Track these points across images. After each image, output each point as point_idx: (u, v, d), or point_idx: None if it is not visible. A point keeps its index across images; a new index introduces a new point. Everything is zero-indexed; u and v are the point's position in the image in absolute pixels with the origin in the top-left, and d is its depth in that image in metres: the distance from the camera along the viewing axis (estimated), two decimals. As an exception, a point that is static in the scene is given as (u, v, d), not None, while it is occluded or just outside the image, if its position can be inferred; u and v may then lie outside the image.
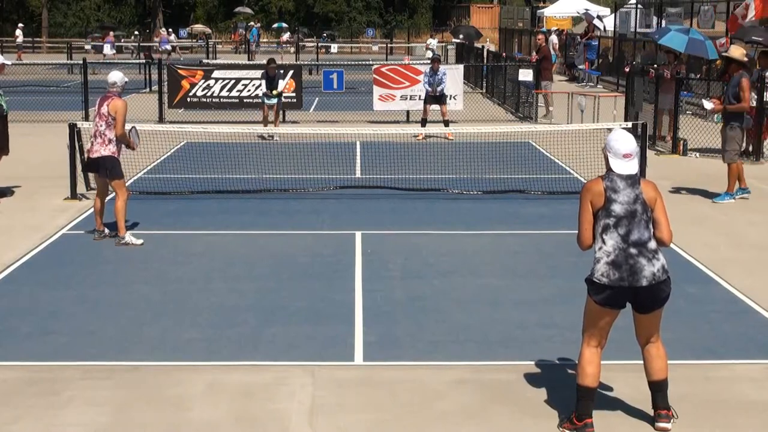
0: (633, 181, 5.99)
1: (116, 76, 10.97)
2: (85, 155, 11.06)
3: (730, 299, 9.02)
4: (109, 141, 10.79)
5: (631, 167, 6.01)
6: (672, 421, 6.16)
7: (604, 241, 5.97)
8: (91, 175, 12.39)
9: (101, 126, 10.80)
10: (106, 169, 10.87)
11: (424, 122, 19.75)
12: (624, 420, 6.34)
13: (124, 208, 10.87)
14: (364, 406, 6.53)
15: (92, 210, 12.76)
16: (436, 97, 19.70)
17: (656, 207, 6.04)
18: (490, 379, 6.97)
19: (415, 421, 6.32)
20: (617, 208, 5.95)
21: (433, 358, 7.38)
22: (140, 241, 10.87)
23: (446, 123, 19.43)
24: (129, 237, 10.84)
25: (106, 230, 11.14)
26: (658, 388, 6.22)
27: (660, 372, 6.23)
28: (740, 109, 13.49)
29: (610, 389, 6.81)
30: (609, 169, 6.01)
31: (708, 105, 14.18)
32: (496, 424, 6.27)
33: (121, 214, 10.85)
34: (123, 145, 11.01)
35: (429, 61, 21.63)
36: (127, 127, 11.03)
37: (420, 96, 21.02)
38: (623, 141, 6.02)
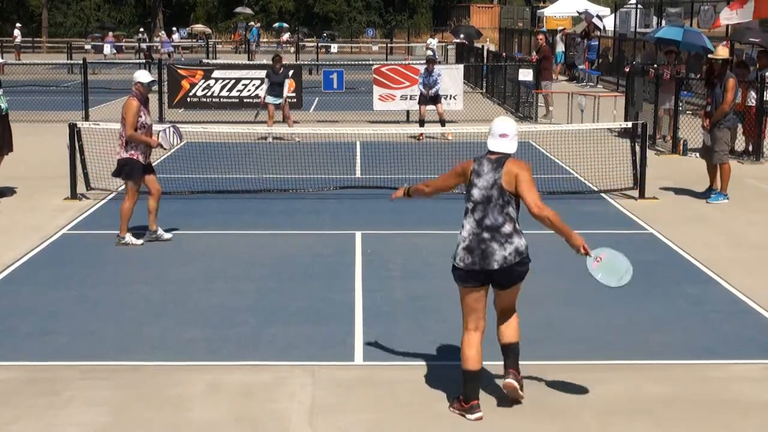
0: (498, 164, 6.28)
1: (135, 75, 10.79)
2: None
3: (729, 299, 9.02)
4: (126, 143, 10.69)
5: (504, 146, 6.38)
6: (519, 384, 6.36)
7: (463, 226, 6.29)
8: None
9: (119, 128, 10.74)
10: (118, 171, 10.80)
11: (422, 122, 19.75)
12: (624, 420, 6.34)
13: (129, 211, 10.81)
14: (364, 406, 6.53)
15: (92, 210, 12.79)
16: (431, 98, 19.66)
17: (519, 182, 6.22)
18: (489, 379, 6.97)
19: (415, 421, 6.32)
20: (475, 193, 6.26)
21: (433, 358, 7.38)
22: (140, 242, 10.86)
23: (443, 123, 19.41)
24: (129, 237, 10.83)
25: (160, 230, 11.05)
26: (509, 351, 6.44)
27: (511, 337, 6.47)
28: (722, 112, 13.45)
29: (610, 389, 6.81)
30: (488, 152, 6.37)
31: (705, 137, 14.04)
32: (496, 424, 6.27)
33: (125, 214, 10.81)
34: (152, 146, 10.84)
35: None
36: (164, 126, 10.91)
37: (420, 96, 21.00)
38: (502, 122, 6.53)
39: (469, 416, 6.26)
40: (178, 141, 11.26)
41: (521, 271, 6.29)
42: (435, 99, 19.76)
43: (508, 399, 6.55)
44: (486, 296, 6.38)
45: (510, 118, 6.61)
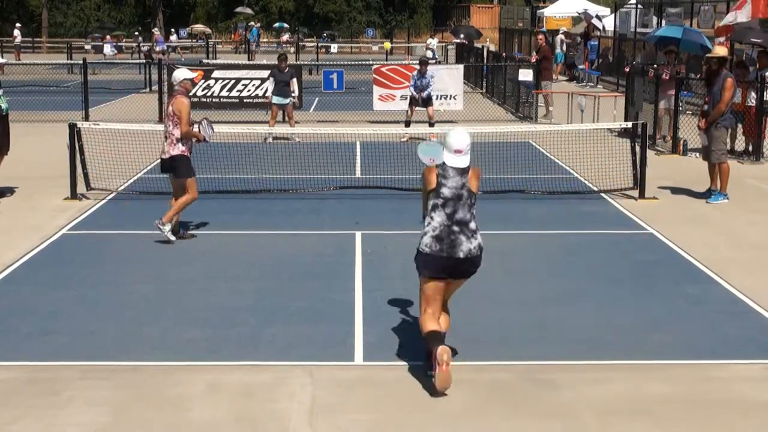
0: (463, 171, 6.87)
1: (175, 74, 10.94)
2: (160, 156, 11.00)
3: (730, 299, 9.02)
4: (177, 140, 10.77)
5: (461, 161, 6.87)
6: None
7: (432, 218, 6.86)
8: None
9: (169, 126, 10.80)
10: (174, 169, 10.88)
11: (408, 123, 19.59)
12: (624, 420, 6.34)
13: (184, 206, 10.89)
14: (364, 406, 6.53)
15: (92, 210, 12.79)
16: (424, 100, 19.46)
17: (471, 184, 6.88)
18: (489, 379, 6.97)
19: (415, 421, 6.32)
20: (446, 191, 6.83)
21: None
22: (174, 239, 10.89)
23: (431, 124, 19.33)
24: (168, 228, 10.82)
25: (181, 230, 11.11)
26: (437, 338, 6.78)
27: (445, 328, 6.98)
28: (719, 111, 13.45)
29: (610, 389, 6.81)
30: (443, 163, 6.84)
31: (702, 137, 14.06)
32: (496, 424, 6.27)
33: (179, 207, 10.86)
34: (194, 141, 10.97)
35: (433, 62, 21.47)
36: (198, 120, 11.03)
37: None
38: (456, 138, 6.87)
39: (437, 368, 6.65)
40: (212, 133, 11.39)
41: (477, 265, 6.96)
42: (427, 101, 19.59)
43: (508, 400, 6.58)
44: (443, 291, 6.93)
45: (464, 132, 6.99)
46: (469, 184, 6.86)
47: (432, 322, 6.87)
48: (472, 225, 6.88)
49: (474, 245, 6.85)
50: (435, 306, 6.94)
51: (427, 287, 6.92)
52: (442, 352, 6.56)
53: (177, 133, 10.76)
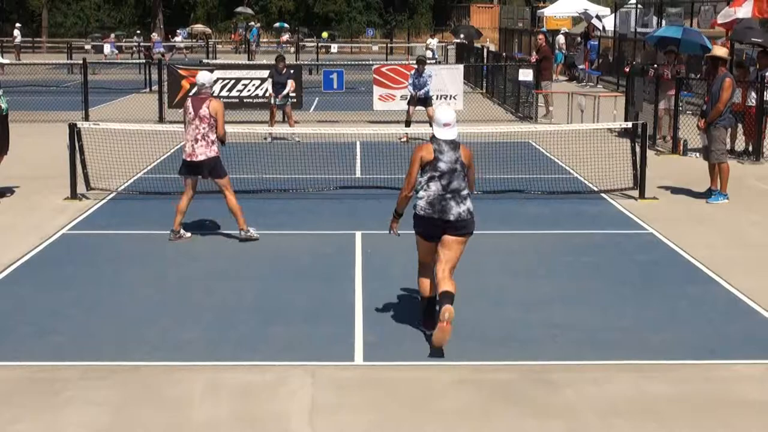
0: (454, 145, 7.72)
1: (204, 77, 10.95)
2: (185, 158, 10.93)
3: (730, 299, 9.01)
4: (212, 142, 10.79)
5: (450, 133, 7.75)
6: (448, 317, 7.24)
7: (429, 187, 7.66)
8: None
9: (203, 128, 10.76)
10: (211, 170, 10.86)
11: (408, 123, 19.57)
12: (624, 420, 6.34)
13: (237, 205, 10.94)
14: (364, 406, 6.52)
15: (92, 210, 12.78)
16: (421, 100, 19.39)
17: (470, 165, 7.79)
18: (490, 379, 6.97)
19: (414, 421, 6.31)
20: (442, 165, 7.65)
21: (433, 358, 7.37)
22: (257, 235, 10.98)
23: (432, 124, 19.25)
24: (251, 230, 10.96)
25: (182, 231, 11.11)
26: (446, 296, 7.40)
27: (450, 287, 7.48)
28: (717, 112, 13.45)
29: (612, 389, 6.80)
30: (433, 136, 7.75)
31: (702, 137, 14.07)
32: (496, 424, 6.27)
33: (238, 209, 10.92)
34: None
35: (433, 61, 21.45)
36: None
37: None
38: (443, 113, 7.84)
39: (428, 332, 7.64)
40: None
41: (470, 228, 7.72)
42: (426, 101, 19.50)
43: (509, 400, 6.58)
44: (434, 252, 7.71)
45: (450, 108, 8.04)
46: (461, 158, 7.68)
47: (425, 284, 7.86)
48: (464, 192, 7.70)
49: (463, 209, 7.63)
50: (427, 265, 7.83)
51: (420, 246, 7.89)
52: (444, 310, 7.23)
53: (212, 135, 10.79)
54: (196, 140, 10.79)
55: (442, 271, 7.53)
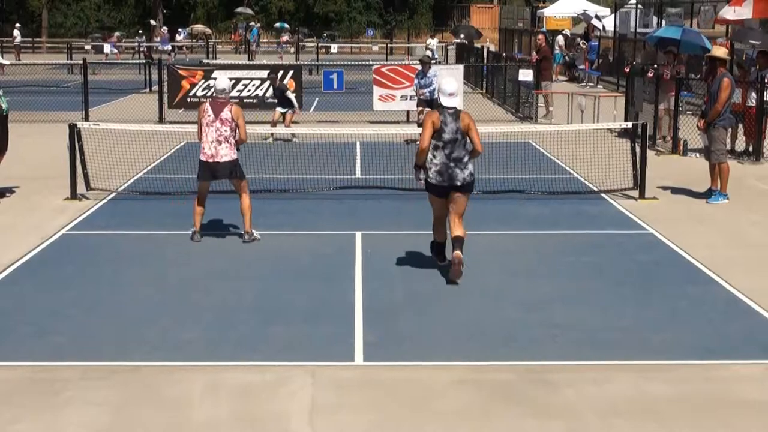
0: (455, 115, 9.17)
1: (225, 83, 11.08)
2: (206, 160, 10.99)
3: (730, 299, 9.01)
4: (234, 144, 11.04)
5: (453, 102, 9.24)
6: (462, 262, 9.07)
7: (434, 156, 9.20)
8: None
9: (225, 131, 10.94)
10: (233, 172, 11.05)
11: (419, 124, 19.59)
12: (624, 420, 6.34)
13: (250, 207, 11.08)
14: (364, 406, 6.52)
15: (92, 210, 12.78)
16: (428, 101, 19.36)
17: (470, 129, 9.28)
18: (490, 379, 6.97)
19: (414, 421, 6.31)
20: (445, 136, 9.14)
21: (433, 358, 7.37)
22: (260, 236, 11.08)
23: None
24: (256, 233, 11.07)
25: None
26: (458, 241, 9.23)
27: (460, 232, 9.27)
28: (715, 112, 13.45)
29: (612, 389, 6.80)
30: (440, 105, 9.18)
31: (702, 138, 14.07)
32: (496, 424, 6.27)
33: (249, 211, 11.04)
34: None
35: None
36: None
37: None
38: (447, 84, 9.29)
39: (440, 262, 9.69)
40: None
41: (472, 186, 9.39)
42: (430, 102, 19.46)
43: (509, 400, 6.58)
44: (445, 205, 9.33)
45: (452, 78, 9.56)
46: (461, 128, 9.13)
47: (439, 232, 9.67)
48: (465, 159, 9.24)
49: (466, 174, 9.23)
50: (440, 217, 9.52)
51: (434, 204, 9.50)
52: (455, 257, 9.09)
53: (234, 138, 11.02)
54: (219, 142, 10.96)
55: (454, 220, 9.27)
